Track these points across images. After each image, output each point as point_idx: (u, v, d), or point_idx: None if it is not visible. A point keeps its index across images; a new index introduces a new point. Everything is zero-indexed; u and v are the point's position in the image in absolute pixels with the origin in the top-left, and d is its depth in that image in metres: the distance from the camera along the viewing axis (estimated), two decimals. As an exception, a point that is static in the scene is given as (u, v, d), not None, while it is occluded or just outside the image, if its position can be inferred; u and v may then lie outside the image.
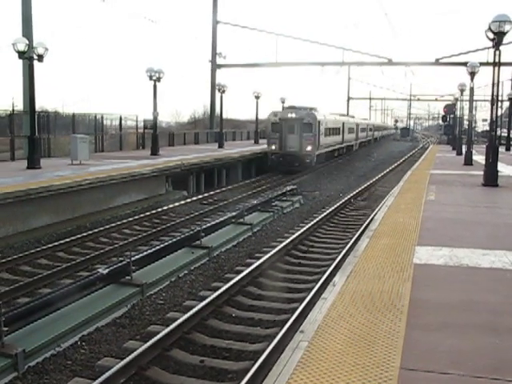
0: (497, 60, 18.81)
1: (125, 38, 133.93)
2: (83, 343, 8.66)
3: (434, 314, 6.35)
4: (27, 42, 18.73)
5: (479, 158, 30.45)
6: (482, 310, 6.61)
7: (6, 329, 7.75)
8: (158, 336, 8.40)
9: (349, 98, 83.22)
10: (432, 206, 14.30)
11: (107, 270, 10.39)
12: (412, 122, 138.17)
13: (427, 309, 6.52)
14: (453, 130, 55.85)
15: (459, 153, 38.25)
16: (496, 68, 18.95)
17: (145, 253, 11.96)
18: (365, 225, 16.50)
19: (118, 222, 17.34)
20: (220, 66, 35.57)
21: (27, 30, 20.93)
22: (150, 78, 30.01)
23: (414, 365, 4.97)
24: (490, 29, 17.87)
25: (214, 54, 35.40)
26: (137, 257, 11.43)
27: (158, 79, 30.28)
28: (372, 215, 17.67)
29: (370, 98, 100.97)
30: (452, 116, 59.61)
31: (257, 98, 43.40)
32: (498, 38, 18.02)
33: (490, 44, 19.28)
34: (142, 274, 11.39)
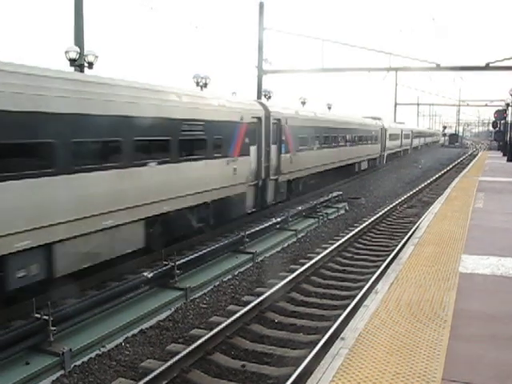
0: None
1: (173, 45, 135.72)
2: (127, 344, 8.82)
3: (479, 325, 6.22)
4: (78, 50, 19.21)
5: (531, 165, 29.63)
6: (530, 321, 6.44)
7: (53, 328, 7.97)
8: (201, 340, 8.50)
9: (396, 104, 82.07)
10: (480, 214, 14.00)
11: (152, 274, 10.54)
12: (461, 128, 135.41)
13: (472, 319, 6.40)
14: (503, 136, 54.49)
15: (510, 159, 37.30)
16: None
17: (189, 257, 12.08)
18: (410, 232, 16.27)
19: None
20: (266, 72, 35.58)
21: (79, 39, 21.40)
22: (197, 83, 30.32)
23: (456, 376, 4.88)
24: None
25: (261, 59, 35.43)
26: (181, 261, 11.58)
27: (205, 85, 30.56)
28: (418, 223, 17.41)
29: (418, 104, 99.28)
30: (503, 122, 58.18)
31: (303, 103, 43.34)
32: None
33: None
34: (187, 278, 11.54)
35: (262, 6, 34.63)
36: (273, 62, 37.89)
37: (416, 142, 74.18)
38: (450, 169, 44.10)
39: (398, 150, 56.72)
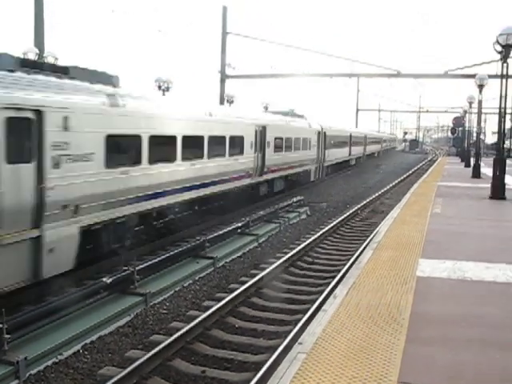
0: (504, 73, 18.81)
1: (135, 48, 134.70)
2: (85, 352, 8.68)
3: (435, 328, 6.34)
4: (37, 51, 18.94)
5: (488, 170, 30.28)
6: (484, 324, 6.59)
7: (8, 336, 7.78)
8: (161, 346, 8.42)
9: (357, 110, 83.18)
10: (437, 219, 14.27)
11: (111, 279, 10.42)
12: (421, 134, 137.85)
13: (428, 322, 6.51)
14: (462, 143, 55.74)
15: (467, 165, 38.15)
16: (504, 80, 18.95)
17: (149, 262, 11.98)
18: (371, 237, 16.47)
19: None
20: (229, 77, 35.62)
21: (39, 40, 21.08)
22: (159, 87, 30.20)
23: (412, 378, 4.96)
24: (497, 41, 17.89)
25: (223, 64, 35.48)
26: (141, 266, 11.47)
27: (167, 89, 30.47)
28: (377, 227, 17.64)
29: (379, 110, 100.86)
30: (461, 128, 59.54)
31: (265, 108, 43.51)
32: (505, 51, 18.02)
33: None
34: (147, 283, 11.44)
35: (225, 9, 34.71)
36: (236, 67, 37.95)
37: (373, 148, 68.13)
38: (410, 174, 44.84)
39: (347, 159, 47.57)
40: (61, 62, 19.83)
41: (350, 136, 48.52)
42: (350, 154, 48.93)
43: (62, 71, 11.35)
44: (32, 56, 18.64)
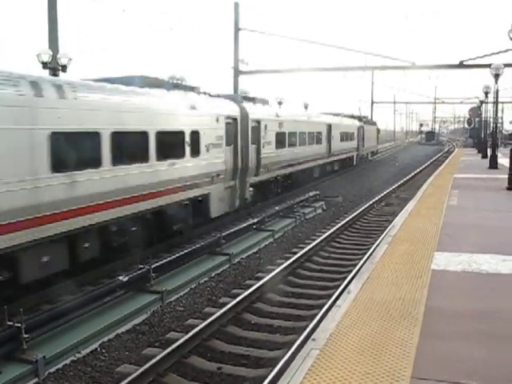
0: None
1: (147, 46, 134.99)
2: (103, 350, 8.78)
3: (449, 323, 6.30)
4: (51, 52, 19.07)
5: (505, 161, 29.95)
6: (500, 318, 6.52)
7: (26, 335, 7.90)
8: (177, 343, 8.49)
9: (372, 102, 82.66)
10: (453, 211, 14.17)
11: (127, 277, 10.50)
12: (437, 126, 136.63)
13: (442, 317, 6.47)
14: (478, 133, 55.16)
15: (484, 156, 37.80)
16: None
17: (165, 260, 12.05)
18: (386, 231, 16.39)
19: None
20: (242, 73, 35.57)
21: (53, 41, 21.23)
22: (173, 85, 30.20)
23: (426, 374, 4.94)
24: (512, 31, 17.70)
25: (237, 60, 35.44)
26: (157, 264, 11.55)
27: (181, 86, 30.45)
28: (393, 221, 17.56)
29: (394, 102, 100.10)
30: (477, 119, 58.89)
31: (279, 103, 43.43)
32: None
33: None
34: (163, 281, 11.51)
35: (237, 5, 34.65)
36: (250, 63, 37.88)
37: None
38: (426, 166, 44.52)
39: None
40: (74, 63, 19.98)
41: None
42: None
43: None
44: (46, 58, 18.79)
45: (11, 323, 7.89)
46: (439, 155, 60.93)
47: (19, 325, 7.84)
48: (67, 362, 8.23)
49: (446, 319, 6.41)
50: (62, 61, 19.18)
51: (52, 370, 7.94)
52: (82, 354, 8.50)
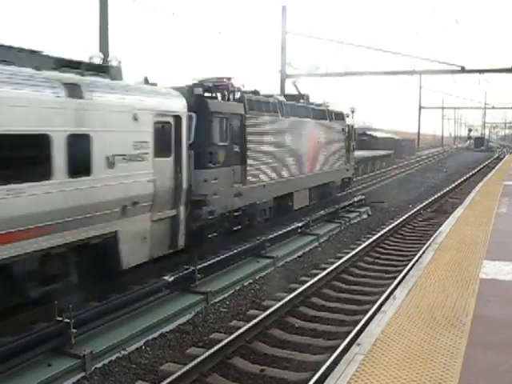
0: None
1: (196, 50, 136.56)
2: (147, 348, 8.92)
3: (498, 333, 6.17)
4: (102, 56, 19.47)
5: (558, 169, 29.24)
6: (550, 329, 6.37)
7: (74, 331, 8.10)
8: (221, 344, 8.55)
9: (420, 107, 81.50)
10: (503, 219, 13.86)
11: (172, 278, 10.64)
12: (487, 131, 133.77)
13: (491, 326, 6.35)
14: (531, 140, 53.65)
15: (537, 163, 36.77)
16: None
17: (210, 261, 12.16)
18: (433, 237, 16.15)
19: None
20: (289, 76, 35.54)
21: (104, 45, 21.68)
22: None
23: None
24: None
25: (283, 63, 35.47)
26: (202, 265, 11.66)
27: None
28: (440, 228, 17.28)
29: (443, 108, 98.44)
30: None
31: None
32: None
33: None
34: (207, 282, 11.62)
35: (284, 9, 34.70)
36: (297, 66, 37.84)
37: None
38: (475, 173, 43.58)
39: None
40: (124, 66, 20.36)
41: None
42: None
43: None
44: (98, 61, 19.20)
45: (60, 318, 8.10)
46: (488, 161, 59.53)
47: (68, 320, 8.05)
48: (113, 358, 8.40)
49: (495, 329, 6.28)
50: (113, 63, 19.55)
51: (98, 366, 8.11)
52: (128, 351, 8.66)
